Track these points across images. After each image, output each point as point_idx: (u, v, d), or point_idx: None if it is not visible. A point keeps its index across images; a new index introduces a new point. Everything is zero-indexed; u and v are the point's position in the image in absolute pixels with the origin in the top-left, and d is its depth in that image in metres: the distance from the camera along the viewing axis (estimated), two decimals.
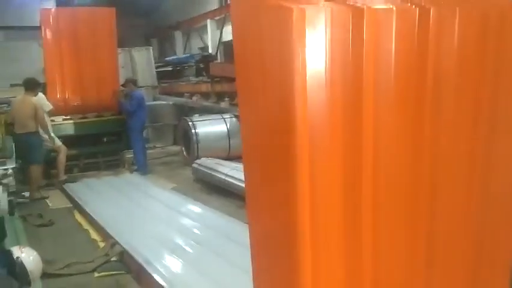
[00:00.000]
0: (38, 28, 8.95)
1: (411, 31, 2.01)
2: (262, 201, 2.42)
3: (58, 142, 8.12)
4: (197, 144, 9.11)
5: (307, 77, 1.93)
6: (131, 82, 9.13)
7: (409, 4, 2.05)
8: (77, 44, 8.56)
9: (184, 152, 9.87)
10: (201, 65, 15.64)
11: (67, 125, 8.90)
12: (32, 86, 7.46)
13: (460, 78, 2.12)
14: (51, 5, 12.90)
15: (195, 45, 23.08)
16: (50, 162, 8.20)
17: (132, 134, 8.91)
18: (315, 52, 1.93)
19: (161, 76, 15.00)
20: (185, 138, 9.70)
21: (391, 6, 2.00)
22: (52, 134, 7.98)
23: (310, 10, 1.94)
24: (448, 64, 2.09)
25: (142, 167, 8.97)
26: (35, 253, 3.02)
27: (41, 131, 7.56)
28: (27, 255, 2.96)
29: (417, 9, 2.02)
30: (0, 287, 2.06)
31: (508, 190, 2.34)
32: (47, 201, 7.39)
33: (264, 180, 2.37)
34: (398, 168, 2.11)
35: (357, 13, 1.95)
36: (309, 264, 2.13)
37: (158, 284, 3.95)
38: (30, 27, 11.98)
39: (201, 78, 14.38)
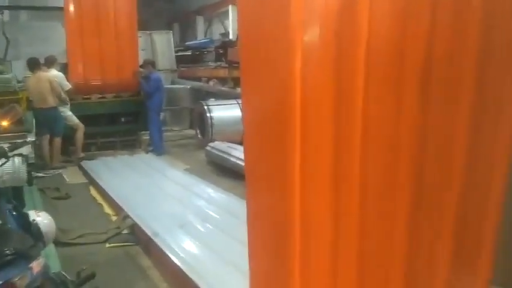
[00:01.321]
0: (63, 9, 9.19)
1: (403, 17, 2.12)
2: (259, 177, 2.56)
3: (76, 120, 8.40)
4: (211, 127, 9.28)
5: (303, 62, 2.06)
6: (150, 64, 9.32)
7: None
8: (98, 24, 8.74)
9: (199, 135, 10.06)
10: (220, 51, 15.78)
11: (86, 104, 9.17)
12: (34, 64, 7.96)
13: (450, 62, 2.23)
14: None
15: (216, 30, 23.15)
16: (68, 139, 8.49)
17: (149, 115, 9.11)
18: (312, 35, 2.06)
19: (180, 60, 15.19)
20: (201, 121, 9.88)
21: None
22: (69, 112, 8.29)
23: None
24: (439, 50, 2.20)
25: (158, 148, 9.18)
26: (49, 217, 3.22)
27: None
28: (42, 219, 3.17)
29: None
30: (17, 242, 2.25)
31: (490, 173, 2.45)
32: (64, 176, 7.68)
33: (262, 159, 2.50)
34: (385, 143, 2.23)
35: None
36: (299, 236, 2.28)
37: (165, 255, 4.15)
38: (54, 8, 12.24)
39: (219, 63, 14.51)
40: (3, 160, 3.09)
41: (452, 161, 2.36)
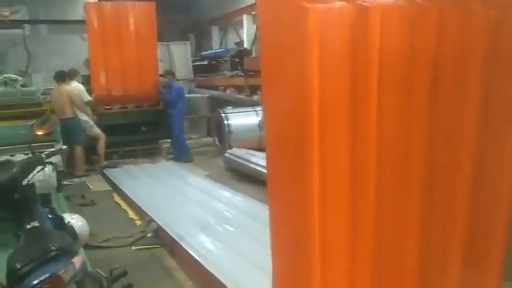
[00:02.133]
0: (80, 22, 9.50)
1: (412, 27, 2.29)
2: (281, 181, 2.73)
3: (97, 130, 8.69)
4: (229, 134, 9.49)
5: (320, 71, 2.24)
6: (171, 74, 9.61)
7: (411, 2, 2.33)
8: (120, 36, 9.02)
9: (217, 143, 10.28)
10: (236, 59, 16.03)
11: (108, 114, 9.46)
12: (61, 77, 8.35)
13: (458, 70, 2.39)
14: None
15: (231, 39, 23.45)
16: (91, 149, 8.77)
17: (174, 123, 9.39)
18: (328, 48, 2.24)
19: (197, 70, 15.47)
20: (219, 129, 10.09)
21: (394, 4, 2.29)
22: (91, 123, 8.56)
23: (324, 9, 2.25)
24: (447, 58, 2.35)
25: (187, 154, 9.52)
26: (83, 219, 3.44)
27: (82, 117, 8.22)
28: (76, 221, 3.38)
29: (419, 6, 2.30)
30: (58, 240, 2.45)
31: (499, 176, 2.59)
32: (88, 183, 7.94)
33: (283, 163, 2.67)
34: (397, 151, 2.39)
35: (364, 11, 2.24)
36: (318, 238, 2.44)
37: (190, 255, 4.34)
38: (72, 21, 12.59)
39: (235, 72, 14.75)
40: (40, 167, 3.31)
41: (461, 165, 2.51)
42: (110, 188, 7.60)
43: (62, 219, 3.30)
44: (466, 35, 2.42)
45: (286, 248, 2.77)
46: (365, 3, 2.27)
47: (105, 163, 8.79)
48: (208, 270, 4.00)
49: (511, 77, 2.54)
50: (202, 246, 4.55)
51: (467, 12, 2.42)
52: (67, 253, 2.37)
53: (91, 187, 7.75)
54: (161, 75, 9.64)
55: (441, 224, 2.57)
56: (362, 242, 2.47)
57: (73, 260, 2.35)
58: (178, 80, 11.63)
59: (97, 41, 8.90)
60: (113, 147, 9.39)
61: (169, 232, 4.96)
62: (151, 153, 9.91)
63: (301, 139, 2.39)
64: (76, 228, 3.19)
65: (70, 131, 8.05)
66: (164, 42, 13.15)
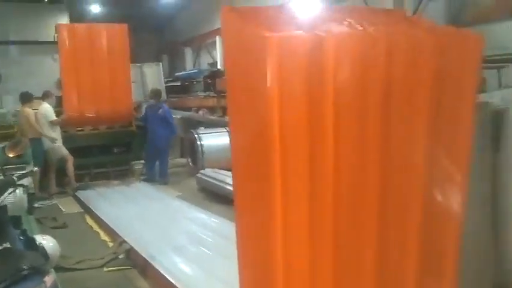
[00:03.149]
0: (52, 43, 9.52)
1: (365, 55, 2.48)
2: (246, 200, 2.87)
3: (64, 152, 8.65)
4: (202, 155, 9.60)
5: (280, 96, 2.39)
6: (159, 94, 9.78)
7: (363, 32, 2.52)
8: (92, 58, 9.01)
9: (190, 163, 10.36)
10: (209, 80, 16.21)
11: (79, 135, 9.45)
12: (25, 98, 8.53)
13: (407, 95, 2.58)
14: (65, 20, 13.47)
15: (205, 60, 23.68)
16: (61, 171, 8.74)
17: (164, 145, 9.49)
18: (286, 74, 2.40)
19: (170, 91, 15.56)
20: (192, 150, 10.19)
21: (348, 34, 2.48)
22: (58, 144, 8.53)
23: (282, 38, 2.42)
24: (397, 84, 2.55)
25: (166, 176, 9.63)
26: (54, 241, 3.49)
27: (46, 140, 8.35)
28: (47, 242, 3.44)
29: (370, 36, 2.50)
30: (30, 260, 2.52)
31: (450, 190, 2.79)
32: (60, 206, 7.91)
33: (247, 184, 2.82)
34: (354, 170, 2.56)
35: (320, 40, 2.42)
36: (281, 251, 2.56)
37: (162, 276, 4.40)
38: (44, 42, 12.58)
39: (208, 93, 14.91)
40: (12, 189, 3.37)
41: (413, 180, 2.69)
42: (82, 210, 7.59)
43: (33, 240, 3.37)
44: (414, 61, 2.62)
45: (252, 263, 2.89)
46: (320, 33, 2.45)
47: (77, 185, 8.76)
48: None
49: (457, 98, 2.74)
50: (175, 267, 4.61)
51: (415, 40, 2.63)
52: (38, 272, 2.44)
53: (63, 209, 7.72)
54: (150, 97, 9.74)
55: (397, 237, 2.73)
56: (321, 254, 2.61)
57: (44, 279, 2.42)
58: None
59: (69, 62, 8.89)
60: (84, 169, 9.37)
61: (141, 253, 5.00)
62: (123, 174, 9.91)
63: (264, 160, 2.53)
64: (47, 249, 3.27)
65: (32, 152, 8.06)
66: (137, 64, 13.26)
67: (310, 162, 2.52)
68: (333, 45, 2.45)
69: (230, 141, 2.97)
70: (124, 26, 9.37)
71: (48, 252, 3.26)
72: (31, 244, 3.26)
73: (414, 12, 12.26)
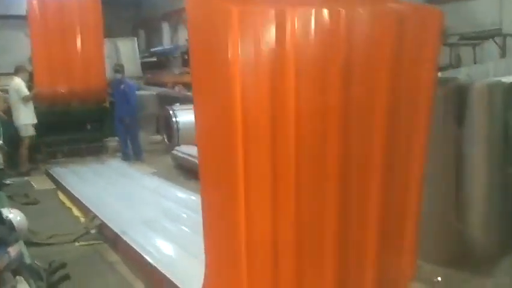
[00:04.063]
0: (24, 17, 9.27)
1: (325, 28, 2.50)
2: (210, 175, 2.89)
3: (26, 133, 8.40)
4: (177, 132, 9.56)
5: (241, 69, 2.40)
6: (121, 69, 9.48)
7: (324, 5, 2.54)
8: (64, 32, 8.82)
9: (166, 140, 10.31)
10: (186, 57, 16.03)
11: (51, 112, 9.26)
12: None
13: (366, 68, 2.62)
14: None
15: (183, 36, 23.33)
16: (34, 148, 8.62)
17: (134, 121, 9.33)
18: (248, 46, 2.41)
19: (146, 67, 15.37)
20: (167, 126, 10.14)
21: (309, 7, 2.50)
22: (24, 122, 8.34)
23: (246, 12, 2.42)
24: (357, 56, 2.58)
25: (140, 153, 9.50)
26: (22, 214, 3.48)
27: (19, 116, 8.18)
28: (15, 216, 3.43)
29: (330, 10, 2.52)
30: None
31: (410, 165, 2.86)
32: (32, 182, 7.83)
33: (211, 160, 2.84)
34: (314, 137, 2.60)
35: (283, 14, 2.43)
36: (244, 225, 2.61)
37: (132, 249, 4.43)
38: (16, 16, 12.21)
39: (184, 69, 14.76)
40: None
41: (373, 157, 2.75)
42: (55, 187, 7.53)
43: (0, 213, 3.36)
44: (373, 33, 2.65)
45: (216, 236, 2.93)
46: (281, 7, 2.46)
47: (27, 168, 8.49)
48: (150, 263, 4.10)
49: (416, 71, 2.79)
50: (145, 241, 4.64)
51: (374, 12, 2.66)
52: (2, 243, 2.44)
53: (35, 186, 7.65)
54: (116, 71, 9.53)
55: (358, 208, 2.80)
56: (284, 227, 2.66)
57: (8, 249, 2.42)
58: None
59: (40, 37, 8.68)
60: (57, 146, 9.26)
61: (112, 227, 5.02)
62: (97, 151, 9.79)
63: (227, 133, 2.55)
64: (14, 222, 3.25)
65: None
66: (111, 38, 13.01)
67: (272, 136, 2.55)
68: (294, 18, 2.47)
69: (195, 116, 2.96)
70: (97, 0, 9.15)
71: (15, 225, 3.24)
72: None
73: None
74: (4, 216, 3.28)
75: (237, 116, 2.46)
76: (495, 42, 9.36)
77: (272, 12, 2.45)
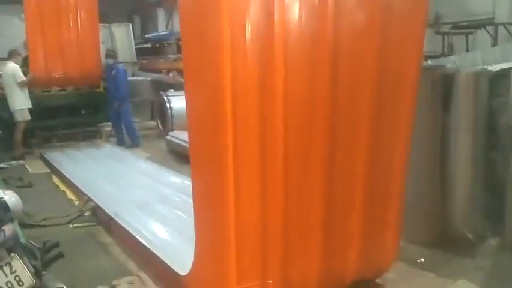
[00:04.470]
0: (18, 2, 9.21)
1: (313, 13, 2.57)
2: (201, 158, 2.97)
3: (22, 117, 8.40)
4: (171, 117, 9.62)
5: (229, 52, 2.47)
6: (113, 55, 9.52)
7: None
8: (59, 16, 8.80)
9: (160, 126, 10.38)
10: (181, 43, 15.98)
11: (45, 96, 9.31)
12: None
13: (353, 53, 2.70)
14: None
15: (177, 23, 23.28)
16: (28, 132, 8.66)
17: (121, 108, 9.29)
18: (237, 31, 2.48)
19: (141, 53, 15.34)
20: (161, 112, 10.19)
21: None
22: (19, 107, 8.35)
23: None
24: (344, 41, 2.66)
25: (135, 139, 9.51)
26: (16, 195, 3.55)
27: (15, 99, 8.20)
28: (9, 197, 3.50)
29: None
30: None
31: (394, 147, 2.95)
32: (27, 166, 7.89)
33: (202, 143, 2.91)
34: (302, 123, 2.69)
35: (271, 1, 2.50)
36: (233, 207, 2.70)
37: (126, 231, 4.52)
38: (10, 1, 12.14)
39: (179, 55, 14.75)
40: None
41: (359, 133, 2.84)
42: (49, 171, 7.59)
43: None
44: (359, 19, 2.72)
45: (206, 219, 3.02)
46: None
47: (20, 153, 8.52)
48: (143, 244, 4.20)
49: (401, 58, 2.88)
50: (139, 223, 4.72)
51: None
52: None
53: (30, 170, 7.71)
54: (107, 57, 9.52)
55: (343, 189, 2.90)
56: (272, 216, 2.75)
57: (3, 227, 2.50)
58: (119, 62, 11.57)
59: (35, 21, 8.64)
60: (52, 130, 9.31)
61: (106, 210, 5.10)
62: (92, 136, 9.85)
63: (218, 124, 2.63)
64: (9, 203, 3.32)
65: None
66: (106, 24, 12.98)
67: (260, 121, 2.63)
68: (283, 4, 2.53)
69: (186, 101, 3.02)
70: None
71: (10, 206, 3.31)
72: None
73: None
74: None
75: (227, 100, 2.54)
76: (487, 31, 9.43)
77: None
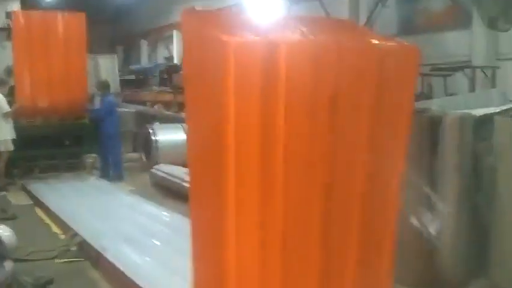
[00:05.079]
0: (2, 30, 9.23)
1: (315, 61, 2.69)
2: (201, 196, 3.02)
3: (5, 148, 8.35)
4: (156, 150, 9.64)
5: (236, 97, 2.56)
6: (102, 86, 9.54)
7: (315, 40, 2.74)
8: (47, 47, 8.80)
9: (144, 158, 10.37)
10: (165, 75, 16.17)
11: (30, 126, 9.22)
12: None
13: (351, 98, 2.82)
14: (16, 7, 13.02)
15: (161, 54, 23.55)
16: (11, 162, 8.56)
17: (106, 140, 9.26)
18: (242, 76, 2.58)
19: (124, 84, 15.41)
20: (146, 144, 10.21)
21: (300, 41, 2.69)
22: (3, 137, 8.29)
23: (240, 43, 2.60)
24: (344, 87, 2.78)
25: (120, 172, 9.41)
26: (10, 230, 3.52)
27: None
28: (3, 231, 3.47)
29: (321, 44, 2.72)
30: None
31: (388, 188, 3.05)
32: (9, 197, 7.77)
33: (202, 180, 2.97)
34: (302, 165, 2.77)
35: (274, 45, 2.62)
36: (234, 245, 2.73)
37: (114, 266, 4.49)
38: None
39: (163, 88, 14.87)
40: None
41: (356, 177, 2.93)
42: (32, 203, 7.50)
43: None
44: (359, 68, 2.85)
45: (205, 257, 3.05)
46: (275, 40, 2.65)
47: (5, 182, 8.47)
48: (130, 279, 4.17)
49: (395, 105, 3.00)
50: (126, 258, 4.71)
51: (361, 48, 2.88)
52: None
53: (12, 201, 7.60)
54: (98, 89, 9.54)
55: (339, 233, 2.96)
56: (271, 243, 2.79)
57: (4, 263, 2.49)
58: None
59: (23, 51, 8.67)
60: (34, 161, 9.20)
61: (93, 245, 5.06)
62: (75, 167, 9.75)
63: (219, 157, 2.69)
64: (3, 238, 3.29)
65: None
66: (91, 55, 13.05)
67: (262, 161, 2.70)
68: (287, 51, 2.65)
69: (187, 139, 3.10)
70: (82, 15, 9.22)
71: (4, 241, 3.28)
72: None
73: (368, 19, 12.78)
74: None
75: (229, 141, 2.61)
76: (465, 73, 9.79)
77: (265, 44, 2.63)
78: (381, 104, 2.95)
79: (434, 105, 4.92)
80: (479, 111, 4.33)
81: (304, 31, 3.00)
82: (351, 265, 3.07)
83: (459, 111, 4.34)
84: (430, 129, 4.06)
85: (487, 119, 4.03)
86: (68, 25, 9.03)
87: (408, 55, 3.01)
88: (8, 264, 2.51)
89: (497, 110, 4.37)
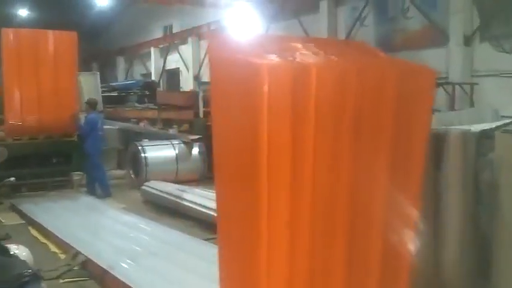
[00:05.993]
0: None
1: (340, 84, 2.84)
2: (230, 217, 3.09)
3: None
4: (146, 167, 9.63)
5: (268, 118, 2.67)
6: (89, 104, 9.52)
7: (339, 63, 2.89)
8: (37, 65, 8.74)
9: (132, 175, 10.33)
10: (146, 92, 16.16)
11: (16, 144, 9.10)
12: None
13: (372, 118, 2.97)
14: None
15: (137, 71, 23.52)
16: None
17: (88, 158, 9.21)
18: (276, 98, 2.70)
19: (105, 101, 15.30)
20: (134, 161, 10.18)
21: (327, 64, 2.84)
22: None
23: (272, 65, 2.72)
24: (365, 108, 2.93)
25: (107, 189, 9.36)
26: (27, 249, 3.52)
27: None
28: (20, 252, 3.46)
29: (345, 67, 2.87)
30: (23, 267, 2.59)
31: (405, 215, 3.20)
32: (0, 218, 7.63)
33: (231, 201, 3.05)
34: (327, 189, 2.89)
35: (304, 68, 2.76)
36: (265, 267, 2.81)
37: (123, 284, 4.49)
38: None
39: (146, 104, 14.87)
40: None
41: (376, 195, 3.06)
42: (24, 222, 7.38)
43: (6, 249, 3.38)
44: (380, 89, 3.01)
45: (236, 277, 3.10)
46: (304, 63, 2.79)
47: None
48: None
49: (412, 127, 3.17)
50: (134, 275, 4.71)
51: (381, 71, 3.04)
52: (36, 278, 2.53)
53: (3, 221, 7.47)
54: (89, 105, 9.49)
55: (361, 246, 3.09)
56: (299, 267, 2.89)
57: (42, 284, 2.52)
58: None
59: (13, 69, 8.59)
60: (22, 179, 9.06)
61: (99, 263, 5.04)
62: (62, 185, 9.64)
63: (251, 176, 2.78)
64: (27, 258, 3.29)
65: None
66: None
67: (292, 181, 2.81)
68: (315, 73, 2.79)
69: (214, 160, 3.15)
70: (74, 34, 9.22)
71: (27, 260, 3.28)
72: (4, 253, 3.28)
73: (347, 37, 13.11)
74: (12, 252, 3.31)
75: (262, 161, 2.71)
76: (445, 90, 10.14)
77: (295, 67, 2.77)
78: (400, 124, 3.11)
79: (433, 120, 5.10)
80: (477, 127, 4.53)
81: (325, 53, 3.17)
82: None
83: (460, 127, 4.53)
84: (434, 146, 4.23)
85: (487, 135, 4.23)
86: (59, 43, 8.98)
87: (424, 75, 3.19)
88: (45, 286, 2.52)
89: (493, 126, 4.58)
